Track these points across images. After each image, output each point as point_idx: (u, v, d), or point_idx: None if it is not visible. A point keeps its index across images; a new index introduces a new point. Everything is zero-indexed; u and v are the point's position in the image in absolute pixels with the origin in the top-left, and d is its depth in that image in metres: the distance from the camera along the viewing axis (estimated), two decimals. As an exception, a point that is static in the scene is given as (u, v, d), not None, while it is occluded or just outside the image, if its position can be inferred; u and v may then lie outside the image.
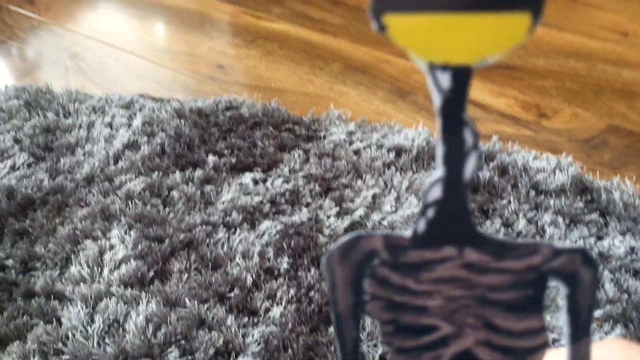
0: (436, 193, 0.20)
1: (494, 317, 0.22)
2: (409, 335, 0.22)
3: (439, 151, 0.20)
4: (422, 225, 0.21)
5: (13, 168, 0.71)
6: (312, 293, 0.57)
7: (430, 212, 0.21)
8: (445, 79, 0.19)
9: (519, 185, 0.67)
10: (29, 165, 0.71)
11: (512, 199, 0.65)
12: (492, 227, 0.62)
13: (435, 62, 0.19)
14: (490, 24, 0.18)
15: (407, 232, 0.21)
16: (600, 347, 0.25)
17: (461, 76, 0.19)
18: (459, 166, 0.20)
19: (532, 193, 0.66)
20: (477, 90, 0.85)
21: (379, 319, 0.22)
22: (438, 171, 0.20)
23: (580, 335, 0.21)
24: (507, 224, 0.63)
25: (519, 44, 0.18)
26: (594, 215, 0.63)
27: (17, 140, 0.74)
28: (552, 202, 0.64)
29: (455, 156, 0.20)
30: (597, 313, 0.54)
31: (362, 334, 0.52)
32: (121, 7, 1.06)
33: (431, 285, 0.22)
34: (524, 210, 0.64)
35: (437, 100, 0.19)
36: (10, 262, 0.61)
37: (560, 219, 0.63)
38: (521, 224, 0.62)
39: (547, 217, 0.63)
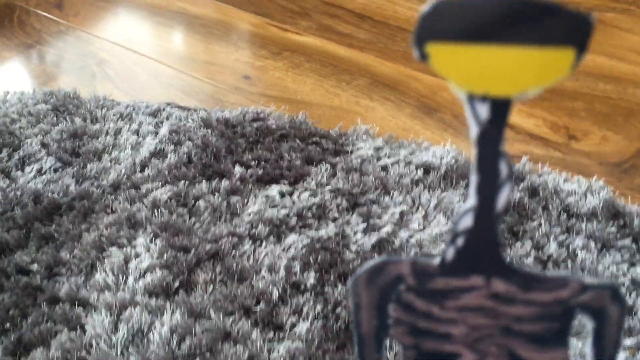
0: (467, 222, 0.20)
1: (518, 348, 0.22)
2: None
3: (473, 181, 0.20)
4: (451, 253, 0.21)
5: (40, 172, 0.71)
6: (339, 310, 0.56)
7: (460, 241, 0.21)
8: (483, 110, 0.19)
9: (550, 207, 0.66)
10: (55, 170, 0.71)
11: (542, 221, 0.64)
12: (522, 249, 0.61)
13: (475, 92, 0.19)
14: (534, 57, 0.18)
15: (435, 260, 0.21)
16: None
17: (500, 108, 0.19)
18: (492, 197, 0.20)
19: (564, 216, 0.65)
20: (506, 110, 0.84)
21: (402, 343, 0.22)
22: (470, 200, 0.20)
23: None
24: (537, 247, 0.62)
25: (563, 78, 0.18)
26: (627, 241, 0.62)
27: (44, 145, 0.74)
28: (583, 225, 0.63)
29: (489, 187, 0.20)
30: (631, 341, 0.53)
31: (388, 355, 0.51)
32: (149, 15, 1.06)
33: (456, 313, 0.22)
34: (555, 234, 0.63)
35: (474, 131, 0.19)
36: (35, 266, 0.60)
37: (592, 244, 0.62)
38: (552, 248, 0.61)
39: (578, 241, 0.62)
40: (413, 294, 0.22)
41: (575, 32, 0.18)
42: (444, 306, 0.21)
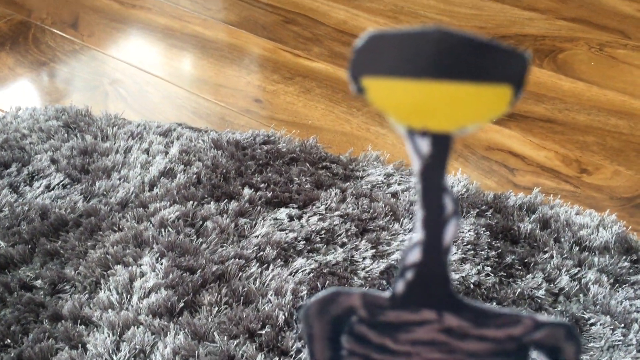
0: (415, 256, 0.20)
1: None
2: None
3: (418, 215, 0.19)
4: (401, 287, 0.21)
5: (48, 188, 0.70)
6: (345, 337, 0.55)
7: (409, 274, 0.20)
8: (424, 145, 0.18)
9: (562, 240, 0.65)
10: (64, 186, 0.71)
11: (554, 254, 0.63)
12: (533, 282, 0.60)
13: (414, 127, 0.18)
14: (471, 94, 0.17)
15: (386, 293, 0.21)
16: None
17: (441, 143, 0.18)
18: (438, 231, 0.19)
19: (576, 249, 0.64)
20: (517, 142, 0.84)
21: None
22: (417, 234, 0.20)
23: None
24: (549, 280, 0.61)
25: (501, 115, 0.17)
26: (640, 277, 0.61)
27: (54, 161, 0.74)
28: (596, 259, 0.62)
29: (435, 221, 0.19)
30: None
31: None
32: (163, 37, 1.07)
33: (410, 346, 0.21)
34: (567, 266, 0.62)
35: (416, 166, 0.19)
36: (39, 282, 0.60)
37: (604, 278, 0.61)
38: (564, 281, 0.60)
39: (591, 275, 0.61)
40: (365, 326, 0.21)
41: (511, 70, 0.17)
42: (397, 339, 0.21)
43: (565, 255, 0.63)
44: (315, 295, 0.21)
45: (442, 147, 0.18)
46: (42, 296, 0.59)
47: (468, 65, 0.17)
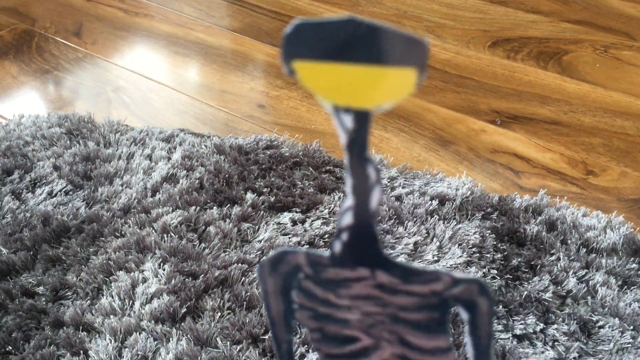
0: (348, 219, 0.22)
1: (406, 334, 0.24)
2: (334, 343, 0.24)
3: (348, 183, 0.22)
4: (338, 247, 0.23)
5: (50, 194, 0.70)
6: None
7: (344, 236, 0.23)
8: (348, 120, 0.21)
9: (569, 242, 0.64)
10: (66, 193, 0.71)
11: (561, 256, 0.62)
12: (540, 284, 0.59)
13: (338, 105, 0.20)
14: (381, 76, 0.20)
15: (327, 252, 0.23)
16: None
17: (362, 118, 0.21)
18: (366, 197, 0.22)
19: (583, 251, 0.63)
20: (522, 144, 0.83)
21: (307, 326, 0.25)
22: (348, 200, 0.22)
23: (482, 356, 0.23)
24: (556, 282, 0.60)
25: (409, 95, 0.20)
26: (649, 278, 0.60)
27: (56, 167, 0.74)
28: (603, 261, 0.61)
29: (362, 188, 0.22)
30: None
31: None
32: (165, 44, 1.07)
33: (350, 300, 0.24)
34: (574, 269, 0.61)
35: (342, 139, 0.21)
36: (40, 289, 0.59)
37: (612, 280, 0.60)
38: (571, 283, 0.59)
39: (599, 277, 0.60)
40: (311, 282, 0.23)
41: (414, 55, 0.19)
42: (338, 294, 0.23)
43: (573, 257, 0.62)
44: (267, 255, 0.23)
45: (363, 122, 0.21)
46: (44, 303, 0.58)
47: (377, 51, 0.19)
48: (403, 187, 0.72)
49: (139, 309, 0.57)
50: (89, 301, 0.58)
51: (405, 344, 0.24)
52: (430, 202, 0.69)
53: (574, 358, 0.53)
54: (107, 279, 0.60)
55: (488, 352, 0.23)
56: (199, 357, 0.53)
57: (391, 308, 0.23)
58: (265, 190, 0.71)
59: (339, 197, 0.70)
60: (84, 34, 1.09)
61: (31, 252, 0.63)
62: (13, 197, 0.69)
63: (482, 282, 0.22)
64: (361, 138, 0.21)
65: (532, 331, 0.55)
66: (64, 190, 0.71)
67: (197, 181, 0.71)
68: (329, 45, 0.20)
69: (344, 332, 0.24)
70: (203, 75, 0.99)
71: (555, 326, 0.56)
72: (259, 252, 0.63)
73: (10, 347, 0.54)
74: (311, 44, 0.20)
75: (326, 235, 0.65)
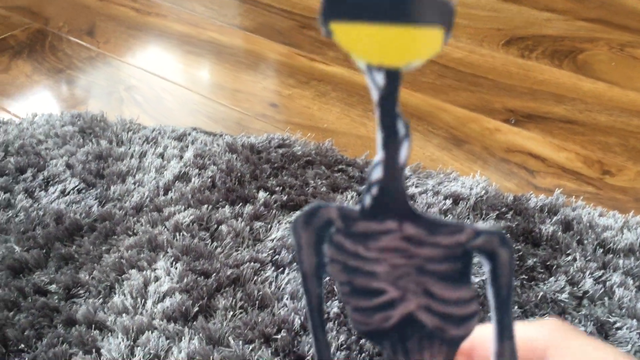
0: (378, 173, 0.23)
1: (431, 286, 0.24)
2: (362, 296, 0.25)
3: (378, 138, 0.23)
4: (367, 200, 0.24)
5: (63, 193, 0.70)
6: (362, 341, 0.54)
7: (374, 190, 0.23)
8: (380, 78, 0.22)
9: (585, 242, 0.63)
10: (79, 191, 0.71)
11: (577, 256, 0.61)
12: (556, 285, 0.58)
13: (372, 63, 0.22)
14: (412, 35, 0.21)
15: (357, 206, 0.24)
16: (539, 326, 0.26)
17: (393, 76, 0.22)
18: (395, 152, 0.23)
19: (599, 251, 0.62)
20: (537, 143, 0.82)
21: (337, 279, 0.25)
22: (379, 155, 0.23)
23: (502, 307, 0.24)
24: (572, 282, 0.59)
25: (436, 53, 0.21)
26: (667, 279, 0.59)
27: (69, 166, 0.74)
28: (620, 262, 0.61)
29: (391, 143, 0.22)
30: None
31: None
32: (178, 43, 1.07)
33: (378, 253, 0.24)
34: (590, 269, 0.60)
35: (374, 96, 0.22)
36: (53, 287, 0.59)
37: (630, 281, 0.59)
38: (588, 284, 0.58)
39: (616, 278, 0.59)
40: (342, 236, 0.24)
41: (441, 15, 0.21)
42: (367, 247, 0.24)
43: (589, 257, 0.61)
44: (301, 210, 0.25)
45: (394, 79, 0.22)
46: (57, 301, 0.58)
47: (409, 12, 0.21)
48: (416, 187, 0.71)
49: (151, 308, 0.57)
50: (101, 299, 0.58)
51: (430, 295, 0.25)
52: (444, 201, 0.68)
53: (591, 360, 0.53)
54: (119, 277, 0.60)
55: (508, 302, 0.24)
56: (211, 357, 0.52)
57: (417, 260, 0.24)
58: (277, 189, 0.70)
59: (352, 196, 0.69)
60: (96, 33, 1.09)
61: (44, 250, 0.63)
62: (26, 195, 0.69)
63: (502, 234, 0.23)
64: (392, 95, 0.22)
65: (548, 332, 0.55)
66: (76, 188, 0.71)
67: (209, 180, 0.71)
68: (365, 7, 0.21)
69: (372, 284, 0.25)
70: (215, 74, 0.99)
71: (571, 327, 0.55)
72: (271, 251, 0.62)
73: (22, 345, 0.54)
74: (347, 6, 0.22)
75: (339, 235, 0.64)
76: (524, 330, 0.26)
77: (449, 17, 0.21)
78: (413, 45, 0.21)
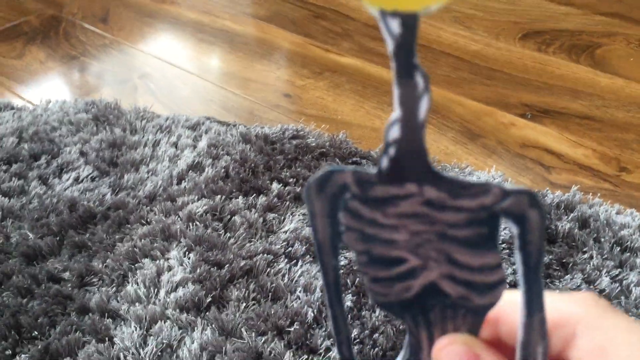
0: (395, 133, 0.21)
1: (454, 252, 0.23)
2: (381, 265, 0.24)
3: (395, 94, 0.21)
4: (385, 163, 0.22)
5: (77, 180, 0.70)
6: (376, 335, 0.54)
7: (392, 151, 0.22)
8: (395, 25, 0.20)
9: (602, 240, 0.62)
10: (92, 179, 0.71)
11: (594, 254, 0.60)
12: (572, 283, 0.58)
13: (386, 9, 0.20)
14: None
15: (374, 169, 0.22)
16: (572, 300, 0.24)
17: (409, 22, 0.20)
18: (413, 107, 0.21)
19: (616, 249, 0.61)
20: (553, 139, 0.82)
21: (354, 249, 0.24)
22: (395, 112, 0.21)
23: (532, 275, 0.22)
24: (588, 281, 0.58)
25: None
26: (685, 279, 0.58)
27: (82, 153, 0.74)
28: (638, 261, 0.60)
29: (409, 98, 0.21)
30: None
31: None
32: (192, 32, 1.07)
33: (397, 219, 0.23)
34: (607, 267, 0.59)
35: (390, 46, 0.20)
36: (67, 274, 0.59)
37: (647, 280, 0.58)
38: (604, 282, 0.58)
39: (633, 277, 0.58)
40: (358, 202, 0.23)
41: None
42: (385, 213, 0.23)
43: (606, 255, 0.61)
44: (313, 175, 0.23)
45: (410, 26, 0.20)
46: (70, 288, 0.58)
47: None
48: (431, 180, 0.70)
49: (164, 297, 0.56)
50: (114, 288, 0.58)
51: (453, 263, 0.23)
52: (459, 196, 0.67)
53: None
54: (132, 266, 0.60)
55: (538, 269, 0.22)
56: (224, 347, 0.52)
57: (439, 225, 0.22)
58: (291, 180, 0.70)
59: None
60: (111, 21, 1.09)
61: (57, 238, 0.63)
62: (40, 182, 0.69)
63: (532, 193, 0.21)
64: (408, 43, 0.20)
65: (563, 330, 0.54)
66: (90, 176, 0.71)
67: (223, 170, 0.71)
68: None
69: (391, 253, 0.23)
70: (229, 63, 0.99)
71: (587, 326, 0.54)
72: (284, 243, 0.62)
73: (36, 332, 0.54)
74: None
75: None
76: (555, 303, 0.24)
77: None
78: None
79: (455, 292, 0.23)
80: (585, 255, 0.61)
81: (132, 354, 0.52)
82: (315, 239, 0.24)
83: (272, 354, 0.52)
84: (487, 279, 0.23)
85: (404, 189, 0.22)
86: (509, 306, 0.24)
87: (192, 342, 0.53)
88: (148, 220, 0.65)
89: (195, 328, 0.54)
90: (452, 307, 0.24)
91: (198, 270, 0.58)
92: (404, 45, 0.20)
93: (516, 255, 0.22)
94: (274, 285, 0.58)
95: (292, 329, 0.54)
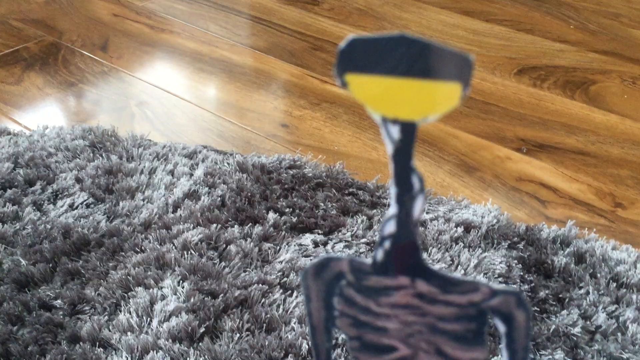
0: (391, 227, 0.23)
1: (443, 345, 0.24)
2: (372, 352, 0.24)
3: (392, 192, 0.22)
4: (380, 255, 0.23)
5: (72, 207, 0.70)
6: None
7: (386, 244, 0.23)
8: (395, 131, 0.22)
9: (598, 275, 0.62)
10: (87, 206, 0.70)
11: (590, 290, 0.60)
12: (568, 318, 0.58)
13: (387, 116, 0.21)
14: (429, 89, 0.21)
15: (369, 260, 0.23)
16: None
17: (408, 130, 0.22)
18: (409, 206, 0.22)
19: (613, 285, 0.61)
20: (549, 173, 0.82)
21: (347, 334, 0.25)
22: (392, 209, 0.22)
23: None
24: (585, 316, 0.58)
25: (453, 108, 0.21)
26: (682, 316, 0.58)
27: (78, 180, 0.73)
28: (634, 297, 0.60)
29: (406, 197, 0.22)
30: None
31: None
32: (191, 61, 1.07)
33: (389, 309, 0.24)
34: (604, 303, 0.59)
35: (389, 149, 0.22)
36: (58, 302, 0.59)
37: (644, 317, 0.58)
38: (601, 318, 0.57)
39: (629, 313, 0.58)
40: (353, 290, 0.24)
41: (460, 70, 0.20)
42: (379, 302, 0.24)
43: (602, 291, 0.60)
44: (311, 262, 0.24)
45: (409, 133, 0.22)
46: (61, 316, 0.57)
47: (426, 66, 0.20)
48: (427, 213, 0.70)
49: (157, 327, 0.56)
50: (106, 316, 0.57)
51: (442, 355, 0.24)
52: (455, 228, 0.67)
53: (604, 397, 0.52)
54: (125, 295, 0.59)
55: None
56: (216, 379, 0.52)
57: (429, 318, 0.23)
58: (287, 210, 0.70)
59: (362, 221, 0.69)
60: (110, 48, 1.10)
61: (50, 265, 0.62)
62: (34, 208, 0.69)
63: (519, 294, 0.22)
64: (407, 148, 0.22)
65: (560, 367, 0.54)
66: (85, 202, 0.70)
67: (219, 199, 0.70)
68: (381, 60, 0.21)
69: (382, 340, 0.24)
70: (227, 93, 0.99)
71: (584, 362, 0.54)
72: (279, 273, 0.62)
73: (25, 361, 0.53)
74: (363, 59, 0.21)
75: (348, 259, 0.63)
76: None
77: (468, 72, 0.20)
78: (430, 99, 0.21)
79: None
80: (582, 291, 0.60)
81: (123, 384, 0.51)
82: (309, 321, 0.25)
83: (266, 387, 0.51)
84: None
85: (397, 280, 0.23)
86: None
87: (184, 374, 0.52)
88: (142, 248, 0.64)
89: (188, 359, 0.53)
90: None
91: (192, 300, 0.58)
92: (403, 150, 0.22)
93: (502, 353, 0.23)
94: (268, 316, 0.57)
95: (286, 361, 0.53)
